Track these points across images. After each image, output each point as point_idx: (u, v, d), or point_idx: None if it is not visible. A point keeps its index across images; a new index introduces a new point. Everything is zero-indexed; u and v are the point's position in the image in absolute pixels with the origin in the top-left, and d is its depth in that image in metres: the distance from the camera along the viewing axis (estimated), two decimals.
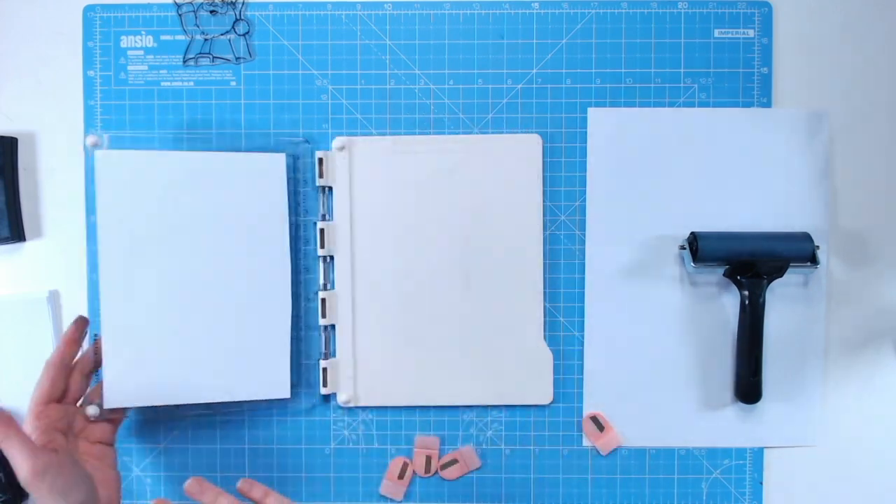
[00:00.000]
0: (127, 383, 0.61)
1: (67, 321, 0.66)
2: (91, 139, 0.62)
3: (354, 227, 0.65)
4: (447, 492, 0.66)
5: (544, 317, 0.65)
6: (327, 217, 0.65)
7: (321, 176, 0.64)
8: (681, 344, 0.65)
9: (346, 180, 0.65)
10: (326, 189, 0.65)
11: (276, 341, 0.63)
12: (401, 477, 0.65)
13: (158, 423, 0.66)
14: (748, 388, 0.64)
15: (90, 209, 0.66)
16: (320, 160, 0.64)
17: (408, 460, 0.66)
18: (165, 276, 0.61)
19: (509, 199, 0.65)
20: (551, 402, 0.65)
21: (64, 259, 0.66)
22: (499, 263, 0.65)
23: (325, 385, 0.64)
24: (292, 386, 0.64)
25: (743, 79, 0.65)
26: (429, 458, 0.65)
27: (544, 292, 0.65)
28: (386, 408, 0.66)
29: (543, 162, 0.65)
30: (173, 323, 0.62)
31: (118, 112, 0.65)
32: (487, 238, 0.65)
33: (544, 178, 0.65)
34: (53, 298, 0.66)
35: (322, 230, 0.65)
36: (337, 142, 0.65)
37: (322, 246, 0.64)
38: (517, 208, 0.65)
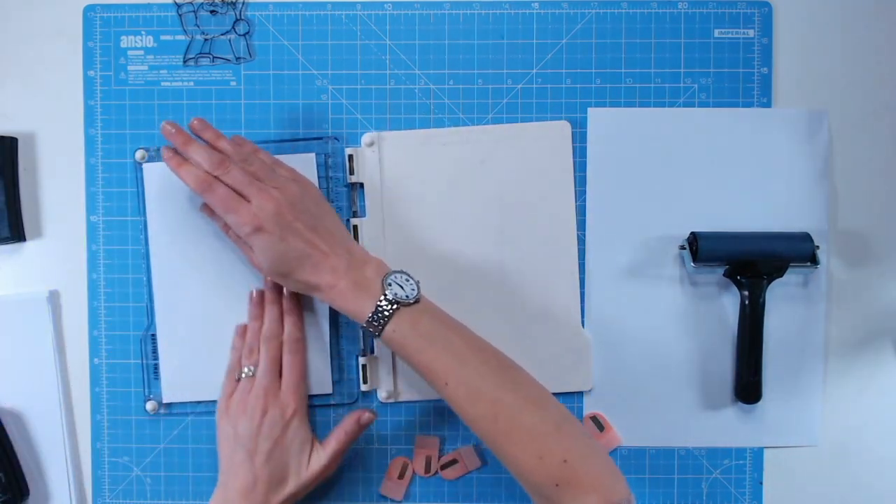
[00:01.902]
0: (183, 379, 0.65)
1: (67, 321, 0.66)
2: (140, 153, 0.64)
3: (387, 222, 0.65)
4: (447, 492, 0.66)
5: (581, 303, 0.65)
6: (359, 213, 0.65)
7: (351, 173, 0.64)
8: (681, 344, 0.65)
9: (377, 176, 0.65)
10: (357, 185, 0.65)
11: (317, 338, 0.64)
12: (401, 477, 0.65)
13: (158, 422, 0.66)
14: (748, 388, 0.64)
15: (90, 209, 0.66)
16: (350, 157, 0.64)
17: (408, 460, 0.66)
18: (210, 277, 0.64)
19: (541, 187, 0.65)
20: (591, 389, 0.65)
21: (64, 259, 0.66)
22: (533, 251, 0.65)
23: (364, 381, 0.64)
24: (333, 383, 0.65)
25: (743, 79, 0.65)
26: (429, 458, 0.65)
27: (580, 278, 0.65)
28: (388, 406, 0.66)
29: (573, 148, 0.65)
30: (220, 322, 0.64)
31: (118, 112, 0.65)
32: (521, 227, 0.65)
33: (575, 164, 0.65)
34: (53, 298, 0.66)
35: (355, 227, 0.65)
36: (366, 137, 0.65)
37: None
38: (549, 195, 0.65)
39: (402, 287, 0.56)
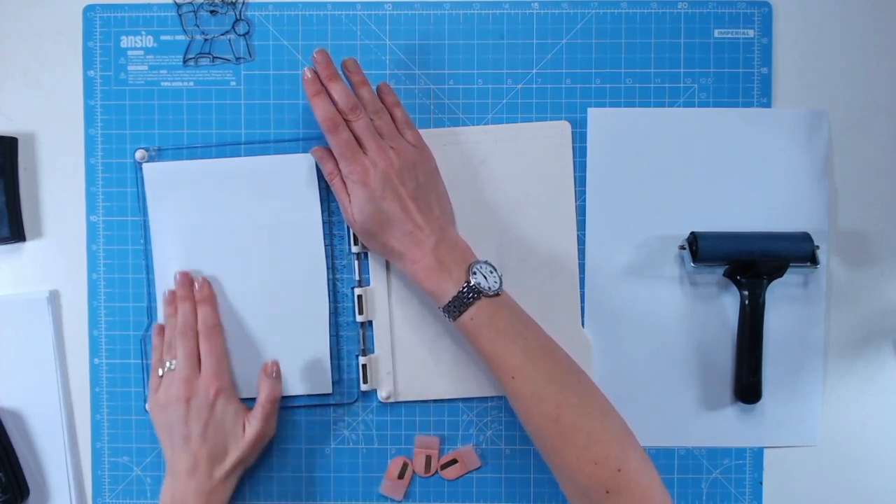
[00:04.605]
0: None
1: (67, 321, 0.66)
2: (140, 153, 0.64)
3: None
4: (447, 492, 0.66)
5: (581, 303, 0.65)
6: None
7: None
8: (681, 344, 0.65)
9: None
10: None
11: (316, 338, 0.64)
12: (401, 477, 0.65)
13: None
14: (748, 388, 0.64)
15: (90, 209, 0.66)
16: None
17: (408, 460, 0.66)
18: (211, 276, 0.64)
19: (541, 187, 0.65)
20: None
21: (64, 259, 0.66)
22: (533, 251, 0.65)
23: (364, 381, 0.65)
24: (333, 383, 0.65)
25: (743, 79, 0.65)
26: (429, 458, 0.65)
27: (580, 278, 0.65)
28: (388, 407, 0.66)
29: (573, 148, 0.65)
30: (219, 321, 0.64)
31: (118, 112, 0.65)
32: (521, 227, 0.65)
33: (575, 164, 0.65)
34: (53, 298, 0.66)
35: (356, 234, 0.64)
36: None
37: (356, 243, 0.64)
38: (549, 195, 0.65)
39: (485, 277, 0.57)
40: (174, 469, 0.60)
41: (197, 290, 0.64)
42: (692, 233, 0.64)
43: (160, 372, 0.62)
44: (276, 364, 0.63)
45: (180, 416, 0.60)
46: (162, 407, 0.61)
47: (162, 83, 0.65)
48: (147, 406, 0.63)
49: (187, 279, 0.64)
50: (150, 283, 0.65)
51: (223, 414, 0.60)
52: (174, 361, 0.62)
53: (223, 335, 0.64)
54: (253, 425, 0.61)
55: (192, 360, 0.61)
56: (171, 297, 0.64)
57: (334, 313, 0.65)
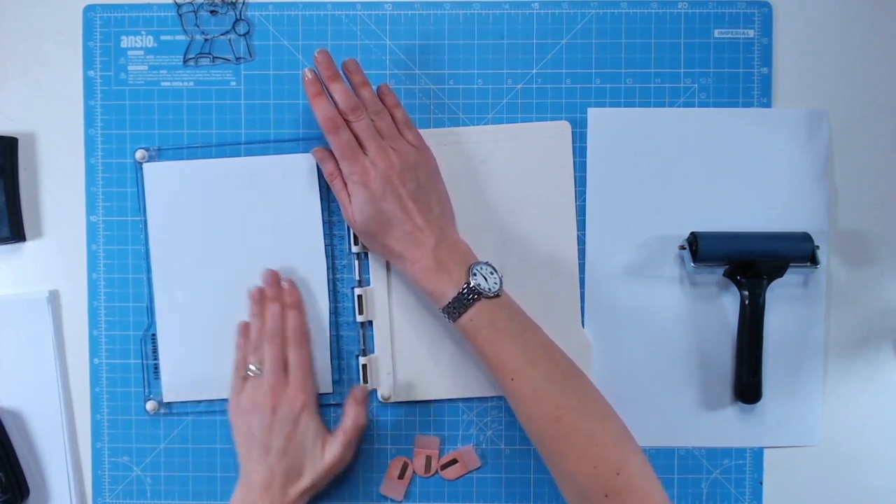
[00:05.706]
0: (183, 379, 0.65)
1: (67, 321, 0.66)
2: (140, 153, 0.64)
3: None
4: (447, 492, 0.66)
5: (581, 303, 0.65)
6: None
7: None
8: (681, 344, 0.65)
9: None
10: None
11: (316, 337, 0.64)
12: (401, 477, 0.65)
13: (158, 422, 0.66)
14: (748, 388, 0.64)
15: (90, 209, 0.66)
16: None
17: (408, 460, 0.66)
18: (211, 276, 0.64)
19: (541, 187, 0.65)
20: None
21: (64, 259, 0.66)
22: (533, 251, 0.65)
23: (364, 381, 0.65)
24: (333, 383, 0.65)
25: (743, 79, 0.65)
26: (429, 458, 0.65)
27: (580, 278, 0.65)
28: (388, 407, 0.66)
29: (573, 148, 0.65)
30: (220, 321, 0.64)
31: (118, 112, 0.65)
32: (521, 227, 0.65)
33: (575, 164, 0.65)
34: (53, 298, 0.66)
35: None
36: None
37: (356, 243, 0.64)
38: (549, 195, 0.65)
39: (485, 279, 0.57)
40: (248, 479, 0.59)
41: (286, 294, 0.62)
42: (692, 233, 0.64)
43: (243, 374, 0.61)
44: (365, 390, 0.62)
45: (265, 425, 0.59)
46: (244, 412, 0.60)
47: (162, 83, 0.65)
48: (229, 408, 0.61)
49: (275, 278, 0.63)
50: (149, 283, 0.65)
51: (305, 430, 0.59)
52: (260, 366, 0.61)
53: (311, 343, 0.63)
54: (333, 449, 0.60)
55: (279, 368, 0.60)
56: (259, 296, 0.63)
57: (334, 313, 0.65)
